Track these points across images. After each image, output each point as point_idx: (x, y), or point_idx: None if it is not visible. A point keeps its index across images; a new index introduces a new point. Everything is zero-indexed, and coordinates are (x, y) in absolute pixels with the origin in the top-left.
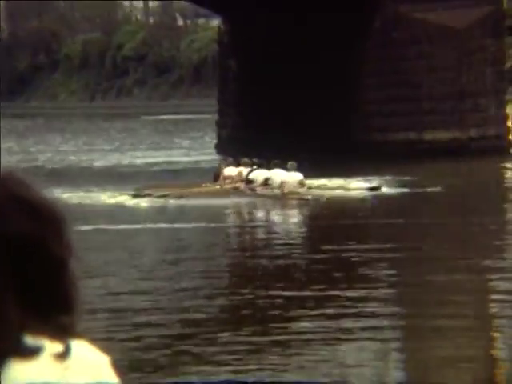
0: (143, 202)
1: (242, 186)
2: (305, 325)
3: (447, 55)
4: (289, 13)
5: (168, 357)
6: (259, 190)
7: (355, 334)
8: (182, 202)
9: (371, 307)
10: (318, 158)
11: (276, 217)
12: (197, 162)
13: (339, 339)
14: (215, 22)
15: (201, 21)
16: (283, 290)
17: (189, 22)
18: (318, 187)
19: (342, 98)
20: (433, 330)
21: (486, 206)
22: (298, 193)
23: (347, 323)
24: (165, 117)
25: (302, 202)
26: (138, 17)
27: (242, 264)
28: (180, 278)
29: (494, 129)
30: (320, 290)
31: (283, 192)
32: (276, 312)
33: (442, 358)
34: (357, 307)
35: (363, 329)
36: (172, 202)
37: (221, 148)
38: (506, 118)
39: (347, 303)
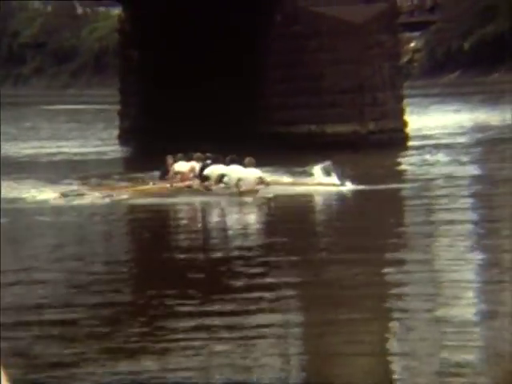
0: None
1: (195, 183)
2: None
3: (347, 49)
4: (190, 3)
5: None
6: (214, 187)
7: (245, 332)
8: (127, 202)
9: (268, 302)
10: (222, 149)
11: (226, 219)
12: (99, 152)
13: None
14: (116, 10)
15: (101, 9)
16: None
17: (89, 10)
18: (277, 183)
19: (245, 90)
20: (329, 323)
21: (383, 196)
22: (257, 191)
23: (235, 320)
24: (65, 106)
25: (262, 201)
26: (35, 5)
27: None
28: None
29: (391, 122)
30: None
31: (240, 190)
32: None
33: (338, 352)
34: (252, 304)
35: (259, 326)
36: (110, 202)
37: (124, 139)
38: (403, 111)
39: (243, 302)
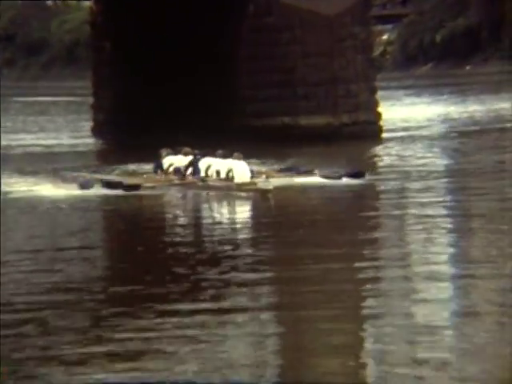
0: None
1: (190, 176)
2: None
3: (319, 41)
4: None
5: None
6: (211, 181)
7: (220, 329)
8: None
9: (238, 300)
10: (196, 141)
11: (221, 214)
12: (73, 145)
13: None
14: (87, 2)
15: (72, 1)
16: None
17: (59, 2)
18: (272, 176)
19: (218, 82)
20: (301, 319)
21: (359, 188)
22: (255, 183)
23: (206, 317)
24: (37, 98)
25: (262, 194)
26: None
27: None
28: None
29: (365, 114)
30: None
31: (238, 183)
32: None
33: (310, 347)
34: (222, 300)
35: (232, 323)
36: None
37: (97, 131)
38: (376, 103)
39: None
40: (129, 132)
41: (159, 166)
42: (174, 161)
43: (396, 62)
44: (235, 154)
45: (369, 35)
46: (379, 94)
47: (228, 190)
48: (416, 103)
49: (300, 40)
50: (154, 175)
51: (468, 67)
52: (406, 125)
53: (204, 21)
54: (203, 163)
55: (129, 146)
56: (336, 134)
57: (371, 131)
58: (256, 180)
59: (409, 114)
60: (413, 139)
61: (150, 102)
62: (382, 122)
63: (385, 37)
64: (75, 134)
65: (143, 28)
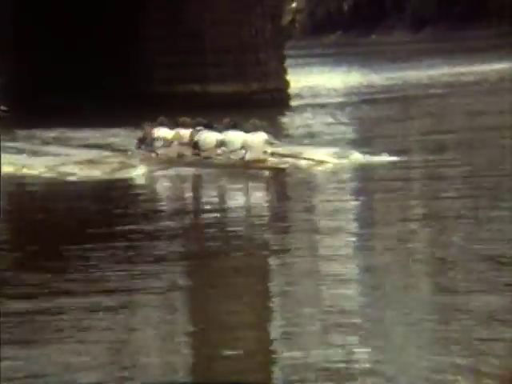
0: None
1: (188, 152)
2: None
3: (228, 9)
4: None
5: None
6: (214, 157)
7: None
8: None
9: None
10: (102, 107)
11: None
12: None
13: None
14: None
15: None
16: None
17: None
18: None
19: (125, 47)
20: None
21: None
22: (265, 160)
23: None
24: None
25: (275, 174)
26: None
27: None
28: None
29: (274, 82)
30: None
31: (246, 160)
32: None
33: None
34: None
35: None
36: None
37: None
38: (285, 71)
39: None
40: (34, 98)
41: (145, 142)
42: (165, 134)
43: (305, 30)
44: (250, 122)
45: (277, 3)
46: (288, 62)
47: (234, 167)
48: (324, 71)
49: (209, 7)
50: (140, 153)
51: (374, 36)
52: (315, 93)
53: None
54: (205, 136)
55: (36, 111)
56: (245, 102)
57: (280, 99)
58: (267, 157)
59: (317, 82)
60: (321, 106)
61: (56, 67)
62: (290, 90)
63: (293, 5)
64: None
65: None
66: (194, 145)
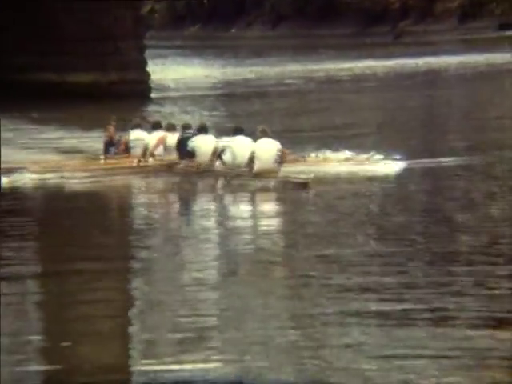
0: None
1: (179, 162)
2: None
3: None
4: None
5: None
6: (217, 165)
7: None
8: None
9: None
10: None
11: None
12: None
13: None
14: None
15: None
16: None
17: None
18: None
19: None
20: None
21: None
22: (277, 172)
23: None
24: None
25: (297, 187)
26: None
27: None
28: None
29: (134, 73)
30: None
31: (254, 170)
32: None
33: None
34: None
35: None
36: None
37: None
38: (145, 62)
39: None
40: None
41: (111, 145)
42: (147, 138)
43: (165, 21)
44: (260, 128)
45: None
46: (148, 52)
47: (239, 179)
48: (185, 64)
49: None
50: (107, 158)
51: (233, 30)
52: (176, 85)
53: None
54: (200, 142)
55: None
56: (104, 92)
57: (140, 90)
58: (277, 166)
59: (177, 74)
60: (182, 99)
61: None
62: (150, 82)
63: None
64: None
65: None
66: (187, 152)
